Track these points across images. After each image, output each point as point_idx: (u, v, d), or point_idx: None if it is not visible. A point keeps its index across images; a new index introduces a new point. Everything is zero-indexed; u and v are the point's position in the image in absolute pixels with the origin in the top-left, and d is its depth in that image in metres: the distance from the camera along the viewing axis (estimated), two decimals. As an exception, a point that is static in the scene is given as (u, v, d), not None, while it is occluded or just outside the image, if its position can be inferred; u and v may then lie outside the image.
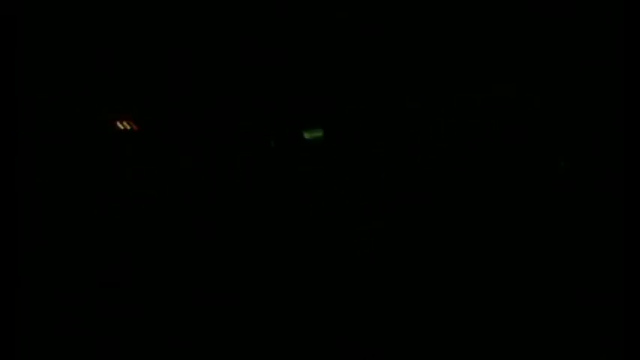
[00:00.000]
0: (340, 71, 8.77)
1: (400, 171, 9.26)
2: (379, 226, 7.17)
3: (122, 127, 8.51)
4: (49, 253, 5.67)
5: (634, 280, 2.96)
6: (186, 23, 8.06)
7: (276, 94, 9.05)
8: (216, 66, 8.70)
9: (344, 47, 8.36)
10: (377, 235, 6.40)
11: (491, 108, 8.48)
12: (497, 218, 7.35)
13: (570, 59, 7.46)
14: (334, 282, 4.25)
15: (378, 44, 8.23)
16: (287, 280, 4.36)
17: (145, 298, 3.89)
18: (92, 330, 3.19)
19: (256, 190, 10.54)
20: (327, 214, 8.80)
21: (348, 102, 9.41)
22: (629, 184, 3.37)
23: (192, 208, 9.69)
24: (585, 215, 6.81)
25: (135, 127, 8.60)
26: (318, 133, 8.84)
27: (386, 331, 3.05)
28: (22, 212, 7.00)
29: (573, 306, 3.42)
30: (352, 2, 7.83)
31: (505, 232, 6.26)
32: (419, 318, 3.29)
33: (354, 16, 7.92)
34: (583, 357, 2.68)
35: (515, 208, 8.04)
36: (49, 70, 7.85)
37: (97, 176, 9.66)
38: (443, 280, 4.21)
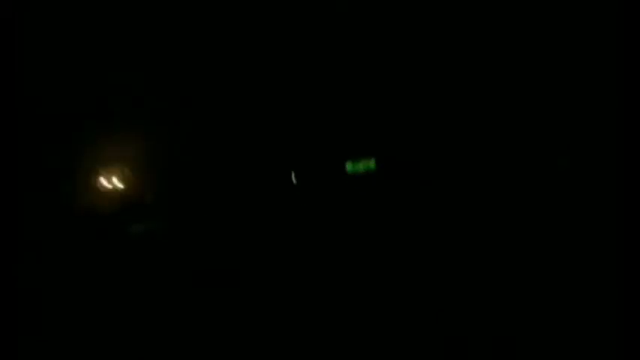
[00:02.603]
0: (340, 71, 8.77)
1: (400, 170, 9.26)
2: (376, 226, 7.17)
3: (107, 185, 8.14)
4: (49, 253, 5.67)
5: (633, 280, 2.96)
6: (187, 23, 8.07)
7: (276, 94, 9.05)
8: (217, 66, 8.69)
9: (344, 47, 8.36)
10: (375, 235, 6.40)
11: (491, 108, 8.48)
12: (497, 218, 7.36)
13: (570, 59, 7.47)
14: (334, 281, 4.26)
15: (378, 44, 8.23)
16: (287, 280, 4.38)
17: (146, 298, 3.90)
18: (92, 330, 3.19)
19: (255, 189, 10.54)
20: (328, 213, 8.81)
21: (347, 102, 9.41)
22: (628, 184, 3.37)
23: (191, 207, 9.69)
24: (585, 215, 6.82)
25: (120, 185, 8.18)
26: (370, 164, 7.83)
27: (386, 331, 3.06)
28: (22, 213, 7.01)
29: (573, 306, 3.43)
30: (352, 2, 7.83)
31: (505, 232, 6.26)
32: (419, 317, 3.29)
33: (353, 15, 7.92)
34: (583, 357, 2.68)
35: (515, 207, 8.05)
36: (49, 70, 7.85)
37: (97, 176, 9.66)
38: (442, 280, 4.21)
